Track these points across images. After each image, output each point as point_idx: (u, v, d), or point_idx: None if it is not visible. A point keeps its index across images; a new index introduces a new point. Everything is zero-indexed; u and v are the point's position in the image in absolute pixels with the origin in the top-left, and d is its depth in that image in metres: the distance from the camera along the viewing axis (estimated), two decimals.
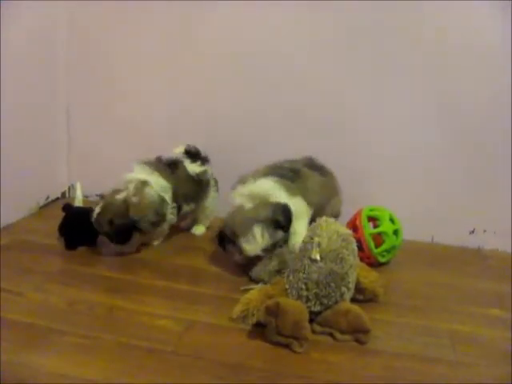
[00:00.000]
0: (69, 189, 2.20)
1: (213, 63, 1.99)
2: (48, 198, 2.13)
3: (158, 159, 1.79)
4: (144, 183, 1.67)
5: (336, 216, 1.73)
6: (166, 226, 1.76)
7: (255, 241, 1.53)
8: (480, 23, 1.76)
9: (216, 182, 1.90)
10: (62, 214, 1.75)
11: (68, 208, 1.76)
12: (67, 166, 2.21)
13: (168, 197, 1.71)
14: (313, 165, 1.81)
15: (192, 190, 1.80)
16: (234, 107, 2.01)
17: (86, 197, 2.00)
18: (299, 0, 1.85)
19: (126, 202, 1.63)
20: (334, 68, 1.90)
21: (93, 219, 1.64)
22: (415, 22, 1.80)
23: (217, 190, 1.90)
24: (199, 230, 1.93)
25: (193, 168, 1.80)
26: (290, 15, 1.88)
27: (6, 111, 1.81)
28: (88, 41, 2.09)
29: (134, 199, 1.64)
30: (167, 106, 2.07)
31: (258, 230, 1.52)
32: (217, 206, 1.91)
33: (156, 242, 1.80)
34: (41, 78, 2.02)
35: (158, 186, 1.69)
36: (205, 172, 1.84)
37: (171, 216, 1.74)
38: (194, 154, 1.82)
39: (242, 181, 1.67)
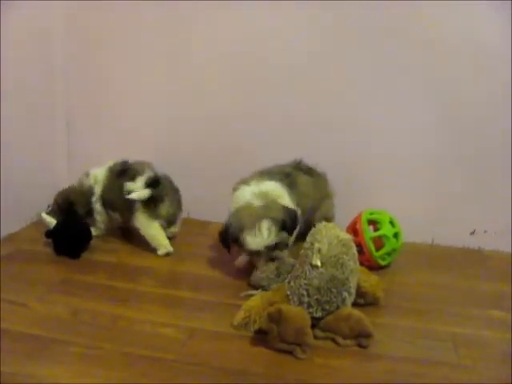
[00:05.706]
0: None
1: (212, 66, 2.00)
2: (49, 207, 2.11)
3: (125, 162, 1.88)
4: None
5: (329, 220, 1.69)
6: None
7: (261, 235, 1.52)
8: (480, 24, 1.76)
9: (153, 209, 1.76)
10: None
11: (50, 233, 1.79)
12: (68, 175, 2.20)
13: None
14: (302, 167, 1.82)
15: (117, 199, 1.82)
16: (232, 110, 2.02)
17: None
18: (298, 1, 1.86)
19: None
20: (334, 71, 1.91)
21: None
22: (415, 24, 1.80)
23: (152, 218, 1.77)
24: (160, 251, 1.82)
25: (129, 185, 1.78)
26: (291, 18, 1.89)
27: (5, 120, 1.83)
28: (87, 43, 2.12)
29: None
30: (167, 109, 2.09)
31: (265, 225, 1.53)
32: (155, 236, 1.79)
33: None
34: (40, 84, 2.04)
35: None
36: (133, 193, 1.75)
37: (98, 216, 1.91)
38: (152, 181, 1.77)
39: (245, 182, 1.67)
